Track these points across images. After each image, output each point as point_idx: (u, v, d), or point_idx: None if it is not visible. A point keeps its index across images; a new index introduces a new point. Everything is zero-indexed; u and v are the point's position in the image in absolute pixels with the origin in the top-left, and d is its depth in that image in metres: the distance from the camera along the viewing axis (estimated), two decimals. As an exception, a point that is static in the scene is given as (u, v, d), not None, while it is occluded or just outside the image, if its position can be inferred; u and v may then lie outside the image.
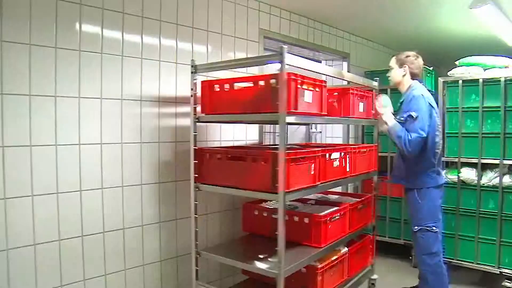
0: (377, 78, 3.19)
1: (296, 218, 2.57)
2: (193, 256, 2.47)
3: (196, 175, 2.43)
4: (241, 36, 3.16)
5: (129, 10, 2.39)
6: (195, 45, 2.78)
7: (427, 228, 2.69)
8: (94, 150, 2.27)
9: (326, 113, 2.33)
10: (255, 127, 3.39)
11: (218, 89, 2.36)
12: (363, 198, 3.09)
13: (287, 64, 1.96)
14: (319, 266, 2.45)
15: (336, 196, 3.37)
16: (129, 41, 2.39)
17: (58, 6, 2.08)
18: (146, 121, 2.49)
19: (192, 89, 2.42)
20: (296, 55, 4.10)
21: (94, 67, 2.25)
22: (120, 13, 2.35)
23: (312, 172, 2.29)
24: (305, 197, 3.10)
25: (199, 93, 2.42)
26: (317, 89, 2.26)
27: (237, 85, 2.28)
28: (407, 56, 2.81)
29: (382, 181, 3.87)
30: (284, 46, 1.93)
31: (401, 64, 2.82)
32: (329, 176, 2.48)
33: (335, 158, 2.59)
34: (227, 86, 2.31)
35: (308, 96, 2.19)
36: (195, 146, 2.42)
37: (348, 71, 4.21)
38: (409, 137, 2.59)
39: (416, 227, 2.73)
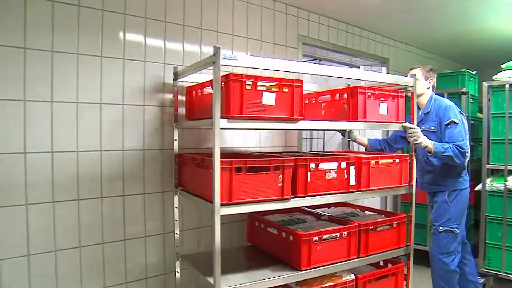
0: (414, 75, 2.64)
1: (283, 234, 2.27)
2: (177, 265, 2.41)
3: (176, 181, 2.36)
4: (280, 42, 3.04)
5: (171, 19, 2.41)
6: (235, 52, 2.73)
7: (451, 229, 2.68)
8: (136, 155, 2.31)
9: (300, 117, 1.95)
10: (294, 133, 3.18)
11: (194, 95, 2.28)
12: (388, 218, 2.52)
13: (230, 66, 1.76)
14: (298, 291, 2.13)
15: (371, 213, 2.87)
16: (171, 49, 2.41)
17: (104, 16, 2.16)
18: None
19: (173, 96, 2.35)
20: (329, 60, 3.86)
21: (138, 75, 2.30)
22: (162, 22, 2.38)
23: (280, 184, 2.00)
24: (316, 211, 2.76)
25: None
26: (285, 90, 1.96)
27: (206, 90, 2.15)
28: (431, 70, 2.84)
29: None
30: (218, 46, 1.70)
31: (426, 77, 2.81)
32: (315, 190, 2.11)
33: (328, 169, 2.21)
34: (200, 91, 2.18)
35: (268, 98, 1.90)
36: (176, 152, 2.36)
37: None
38: (461, 149, 2.54)
39: (441, 227, 2.70)
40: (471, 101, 3.97)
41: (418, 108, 2.84)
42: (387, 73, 4.00)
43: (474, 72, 4.14)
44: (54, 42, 2.02)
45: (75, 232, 2.12)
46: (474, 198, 4.07)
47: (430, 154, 2.53)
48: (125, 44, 2.26)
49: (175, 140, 2.35)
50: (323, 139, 4.90)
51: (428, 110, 2.77)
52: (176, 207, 2.38)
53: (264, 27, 2.92)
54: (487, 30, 3.89)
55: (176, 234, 2.39)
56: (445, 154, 2.50)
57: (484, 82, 3.41)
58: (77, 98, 2.11)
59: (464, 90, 3.74)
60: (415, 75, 2.68)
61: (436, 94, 2.84)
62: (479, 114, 4.18)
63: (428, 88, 2.81)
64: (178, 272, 2.40)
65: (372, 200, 4.18)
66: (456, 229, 2.66)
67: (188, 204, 2.51)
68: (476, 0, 3.06)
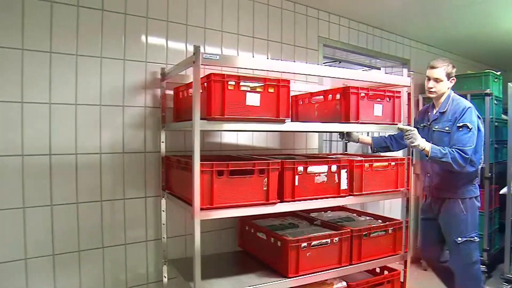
0: (412, 72, 2.62)
1: (272, 240, 2.27)
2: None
3: (163, 184, 2.39)
4: (300, 44, 3.13)
5: (192, 22, 2.51)
6: (255, 54, 2.82)
7: (470, 239, 2.64)
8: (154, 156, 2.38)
9: (287, 118, 1.97)
10: (315, 135, 3.23)
11: (181, 96, 2.30)
12: (383, 224, 2.53)
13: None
14: (285, 299, 2.11)
15: (367, 218, 2.83)
16: (191, 52, 2.42)
17: (127, 20, 2.27)
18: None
19: (161, 97, 2.39)
20: (349, 62, 3.93)
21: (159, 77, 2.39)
22: (184, 25, 2.48)
23: (265, 188, 2.00)
24: (311, 215, 2.75)
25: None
26: (270, 90, 1.97)
27: (191, 91, 2.17)
28: (454, 67, 2.71)
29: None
30: (198, 45, 1.74)
31: (449, 76, 2.69)
32: (303, 194, 2.12)
33: (318, 173, 2.20)
34: (185, 92, 2.21)
35: (253, 98, 1.92)
36: (163, 154, 2.39)
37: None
38: (464, 154, 2.44)
39: (460, 239, 2.64)
40: (495, 102, 3.96)
41: (433, 106, 2.81)
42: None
43: (498, 73, 4.11)
44: (78, 46, 2.13)
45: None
46: (499, 201, 4.04)
47: (427, 158, 2.48)
48: (147, 47, 2.36)
49: (162, 142, 2.39)
50: (342, 141, 4.86)
51: (444, 110, 2.68)
52: (163, 211, 2.40)
53: (284, 29, 3.02)
54: (510, 31, 3.84)
55: (163, 238, 2.41)
56: (443, 159, 2.44)
57: (509, 83, 3.40)
58: (100, 101, 2.22)
59: (488, 91, 3.75)
60: (437, 78, 2.63)
61: (455, 93, 2.76)
62: (503, 116, 4.14)
63: (448, 88, 2.71)
64: (165, 277, 2.44)
65: (394, 204, 4.23)
66: (475, 238, 2.64)
67: (177, 208, 2.52)
68: (499, 0, 3.05)
